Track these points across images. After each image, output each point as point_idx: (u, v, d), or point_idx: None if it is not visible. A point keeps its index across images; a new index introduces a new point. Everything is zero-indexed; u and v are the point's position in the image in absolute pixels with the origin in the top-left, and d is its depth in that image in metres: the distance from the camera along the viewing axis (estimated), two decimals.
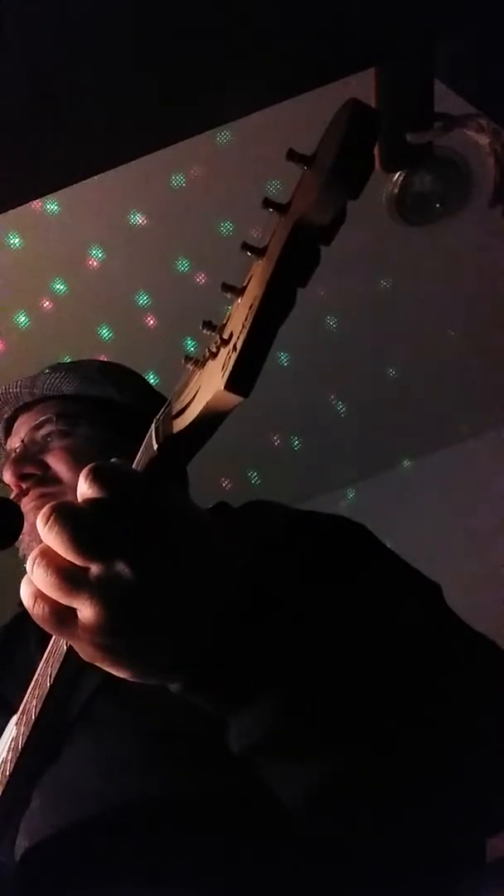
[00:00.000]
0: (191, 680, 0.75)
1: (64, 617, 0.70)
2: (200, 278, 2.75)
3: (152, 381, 2.89)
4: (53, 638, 0.86)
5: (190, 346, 2.91)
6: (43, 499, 1.30)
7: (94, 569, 0.69)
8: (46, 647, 1.25)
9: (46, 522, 0.70)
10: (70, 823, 1.08)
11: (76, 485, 1.33)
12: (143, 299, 2.80)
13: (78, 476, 1.33)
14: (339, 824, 0.84)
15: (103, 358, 2.69)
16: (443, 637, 1.00)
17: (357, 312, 2.86)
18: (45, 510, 0.71)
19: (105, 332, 2.82)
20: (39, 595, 0.71)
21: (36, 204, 2.41)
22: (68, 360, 1.52)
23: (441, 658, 0.92)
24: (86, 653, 0.72)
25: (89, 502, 0.70)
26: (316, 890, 0.99)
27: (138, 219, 2.60)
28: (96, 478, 0.70)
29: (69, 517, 0.69)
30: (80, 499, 0.70)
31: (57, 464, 1.34)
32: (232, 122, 1.42)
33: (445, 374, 3.09)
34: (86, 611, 0.69)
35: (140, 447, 0.78)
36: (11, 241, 2.57)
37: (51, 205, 2.49)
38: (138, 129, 1.31)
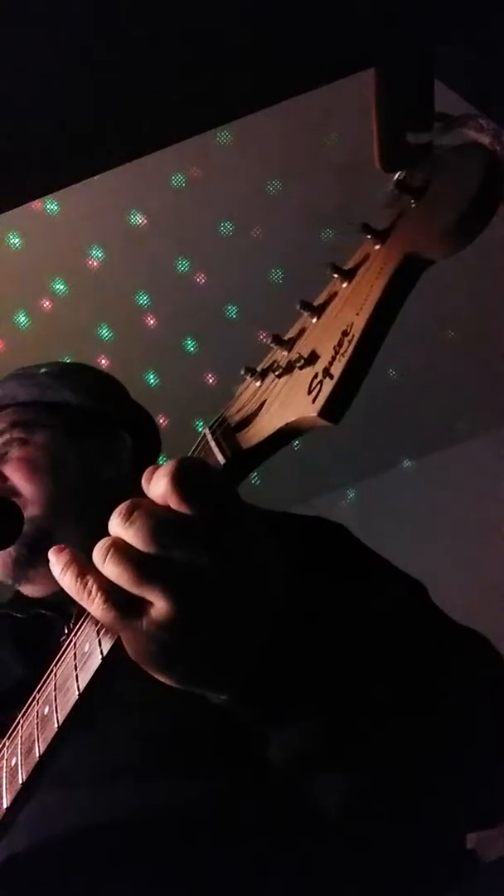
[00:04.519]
0: (239, 692, 0.74)
1: (129, 609, 0.69)
2: (200, 278, 2.75)
3: (152, 381, 2.90)
4: (72, 640, 0.84)
5: (190, 345, 2.91)
6: None
7: (176, 559, 0.68)
8: (26, 652, 1.24)
9: (129, 516, 0.69)
10: (63, 827, 1.08)
11: (34, 496, 1.34)
12: (143, 299, 2.80)
13: (35, 487, 1.34)
14: (374, 822, 0.86)
15: (102, 358, 2.70)
16: (439, 635, 1.02)
17: None
18: (124, 505, 0.70)
19: (105, 332, 2.82)
20: (104, 586, 0.70)
21: (36, 204, 2.41)
22: (28, 366, 1.51)
23: (440, 655, 0.94)
24: (142, 648, 0.71)
25: (174, 498, 0.68)
26: (314, 889, 0.99)
27: (138, 219, 2.60)
28: (181, 476, 0.68)
29: (153, 510, 0.69)
30: (157, 492, 0.69)
31: (14, 474, 1.34)
32: (232, 122, 1.42)
33: (445, 374, 3.09)
34: (159, 602, 0.68)
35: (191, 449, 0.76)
36: (11, 241, 2.57)
37: (51, 205, 2.49)
38: (138, 129, 1.31)
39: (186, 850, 1.02)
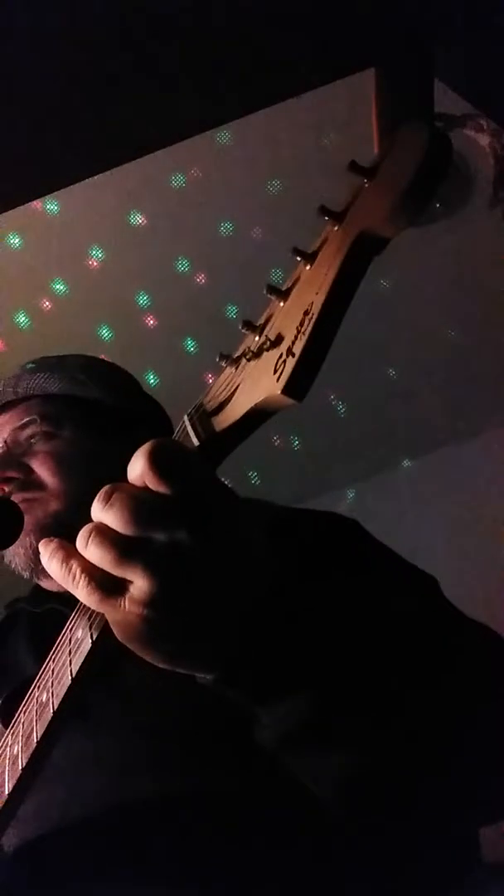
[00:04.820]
0: (226, 672, 0.75)
1: (112, 590, 0.71)
2: (200, 278, 2.75)
3: (152, 381, 2.90)
4: (68, 628, 0.85)
5: (190, 345, 2.91)
6: (25, 503, 1.30)
7: (155, 538, 0.70)
8: (39, 646, 1.25)
9: (107, 500, 0.71)
10: (66, 820, 1.08)
11: (59, 491, 1.34)
12: (143, 299, 2.80)
13: (61, 482, 1.34)
14: (369, 810, 0.86)
15: (102, 357, 2.70)
16: (447, 627, 1.02)
17: (357, 312, 2.86)
18: (103, 489, 0.72)
19: (105, 332, 2.82)
20: (87, 569, 0.72)
21: (36, 204, 2.41)
22: (51, 357, 1.50)
23: (446, 647, 0.94)
24: (126, 629, 0.72)
25: (151, 477, 0.70)
26: (315, 888, 0.99)
27: (138, 219, 2.60)
28: (157, 455, 0.70)
29: (131, 492, 0.71)
30: (134, 474, 0.71)
31: (40, 468, 1.34)
32: (232, 122, 1.43)
33: (445, 374, 3.09)
34: (140, 580, 0.69)
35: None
36: (11, 241, 2.57)
37: (51, 205, 2.49)
38: (138, 129, 1.31)
39: (183, 843, 1.02)
